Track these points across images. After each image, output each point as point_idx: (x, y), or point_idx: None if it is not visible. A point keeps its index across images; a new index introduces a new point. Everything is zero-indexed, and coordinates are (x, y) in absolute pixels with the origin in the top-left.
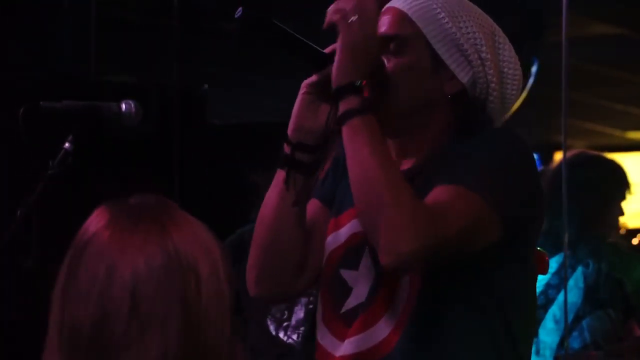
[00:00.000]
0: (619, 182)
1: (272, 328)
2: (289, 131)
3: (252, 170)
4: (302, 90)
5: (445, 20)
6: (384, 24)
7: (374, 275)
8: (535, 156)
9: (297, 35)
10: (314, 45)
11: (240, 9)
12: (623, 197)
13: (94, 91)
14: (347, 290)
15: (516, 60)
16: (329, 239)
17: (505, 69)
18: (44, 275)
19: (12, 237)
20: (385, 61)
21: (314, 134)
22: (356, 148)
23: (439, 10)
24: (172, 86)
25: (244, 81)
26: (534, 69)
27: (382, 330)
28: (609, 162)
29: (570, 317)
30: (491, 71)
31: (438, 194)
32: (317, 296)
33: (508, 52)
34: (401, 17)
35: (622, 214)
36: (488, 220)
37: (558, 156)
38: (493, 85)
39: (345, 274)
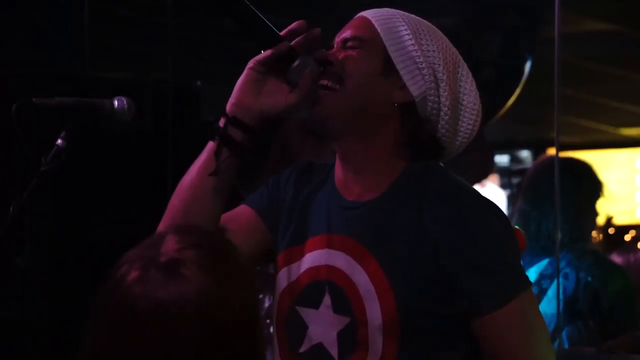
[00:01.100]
0: (594, 185)
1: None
2: (228, 104)
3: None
4: (249, 65)
5: (406, 33)
6: (348, 28)
7: (336, 319)
8: (527, 153)
9: (258, 14)
10: (270, 25)
11: None
12: (596, 197)
13: (87, 87)
14: (303, 329)
15: (476, 96)
16: (282, 272)
17: (463, 101)
18: (38, 272)
19: (5, 235)
20: (342, 56)
21: (251, 113)
22: None
23: (402, 24)
24: (166, 82)
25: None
26: (527, 66)
27: None
28: (581, 165)
29: (551, 327)
30: (445, 94)
31: (498, 334)
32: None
33: (470, 85)
34: (364, 22)
35: (597, 215)
36: (533, 296)
37: (551, 152)
38: (445, 109)
39: (304, 311)
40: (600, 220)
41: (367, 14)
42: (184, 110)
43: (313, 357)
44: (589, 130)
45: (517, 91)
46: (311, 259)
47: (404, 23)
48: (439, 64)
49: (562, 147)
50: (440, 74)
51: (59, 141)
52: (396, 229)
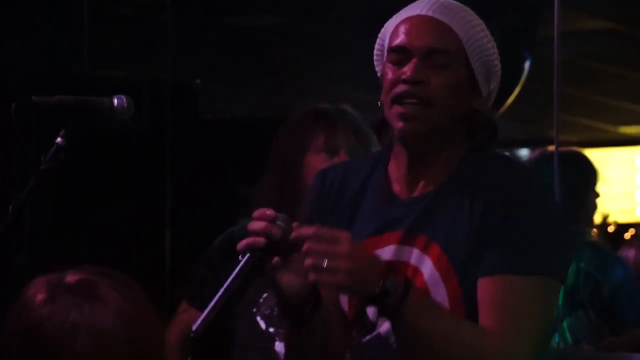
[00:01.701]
0: (590, 177)
1: (262, 324)
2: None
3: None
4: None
5: (480, 35)
6: (428, 35)
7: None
8: (527, 151)
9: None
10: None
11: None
12: (595, 191)
13: (86, 85)
14: (368, 322)
15: (497, 54)
16: None
17: (491, 66)
18: (37, 271)
19: (4, 233)
20: (432, 76)
21: (300, 295)
22: (426, 331)
23: (474, 23)
24: (165, 80)
25: (237, 75)
26: (527, 64)
27: None
28: (579, 157)
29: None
30: (495, 83)
31: (496, 295)
32: None
33: (494, 49)
34: (446, 30)
35: (596, 207)
36: (556, 290)
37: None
38: (494, 94)
39: (370, 310)
40: (598, 217)
41: (440, 16)
42: (182, 109)
43: (375, 346)
44: (588, 129)
45: (517, 90)
46: (393, 255)
47: (474, 22)
48: (496, 58)
49: (561, 146)
50: (496, 68)
51: (59, 140)
52: (456, 216)
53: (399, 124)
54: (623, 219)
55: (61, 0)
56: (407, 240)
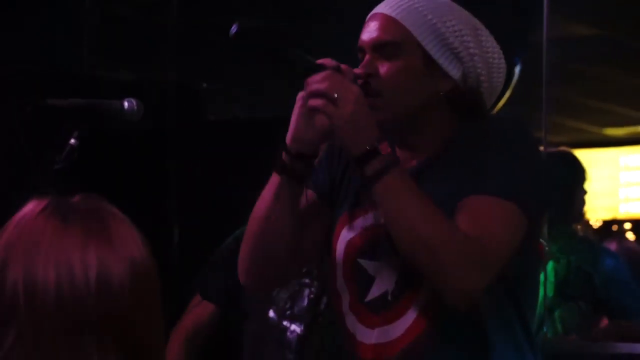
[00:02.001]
0: (579, 176)
1: (274, 318)
2: (288, 141)
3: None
4: (298, 103)
5: (434, 21)
6: (374, 31)
7: (397, 267)
8: None
9: (290, 48)
10: (306, 56)
11: (234, 26)
12: (583, 189)
13: (93, 87)
14: (369, 280)
15: (499, 49)
16: (344, 231)
17: (491, 60)
18: None
19: None
20: (379, 66)
21: (310, 144)
22: (393, 207)
23: (425, 11)
24: (170, 82)
25: (240, 77)
26: (517, 69)
27: (408, 321)
28: (566, 156)
29: (541, 309)
30: (480, 64)
31: (477, 209)
32: (318, 287)
33: (491, 43)
34: (390, 22)
35: (584, 204)
36: (522, 225)
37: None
38: (482, 77)
39: (366, 263)
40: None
41: (387, 10)
42: (186, 110)
43: (382, 305)
44: (575, 130)
45: (508, 93)
46: (366, 220)
47: (425, 8)
48: (468, 40)
49: (549, 146)
50: (472, 49)
51: (72, 140)
52: (447, 176)
53: None
54: (607, 216)
55: (64, 2)
56: None
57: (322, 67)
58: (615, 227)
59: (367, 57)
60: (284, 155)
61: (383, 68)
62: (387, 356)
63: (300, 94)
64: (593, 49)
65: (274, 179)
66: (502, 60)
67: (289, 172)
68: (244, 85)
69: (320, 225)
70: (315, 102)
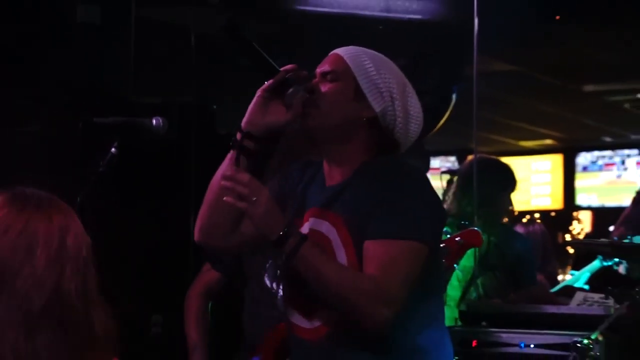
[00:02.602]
0: (505, 178)
1: (268, 282)
2: (243, 122)
3: None
4: (258, 93)
5: (370, 66)
6: (326, 64)
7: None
8: (454, 158)
9: (261, 51)
10: (271, 61)
11: (227, 19)
12: (510, 189)
13: (131, 109)
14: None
15: (419, 107)
16: None
17: (411, 111)
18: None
19: None
20: (322, 86)
21: (260, 127)
22: (313, 270)
23: (366, 59)
24: (190, 105)
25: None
26: (454, 96)
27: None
28: (498, 163)
29: (468, 277)
30: (399, 108)
31: (380, 254)
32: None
33: (414, 100)
34: (338, 58)
35: (510, 201)
36: (424, 254)
37: (470, 158)
38: (399, 119)
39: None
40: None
41: (340, 51)
42: (202, 126)
43: (316, 299)
44: (498, 142)
45: (447, 113)
46: (306, 226)
47: (367, 58)
48: (394, 87)
49: (479, 154)
50: (395, 94)
51: (113, 149)
52: (356, 198)
53: (303, 123)
54: (522, 208)
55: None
56: (321, 215)
57: (280, 72)
58: (527, 217)
59: (316, 80)
60: (238, 134)
61: (324, 87)
62: (319, 336)
63: (260, 90)
64: (511, 81)
65: (229, 156)
66: (421, 115)
67: (241, 149)
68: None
69: None
70: (241, 204)
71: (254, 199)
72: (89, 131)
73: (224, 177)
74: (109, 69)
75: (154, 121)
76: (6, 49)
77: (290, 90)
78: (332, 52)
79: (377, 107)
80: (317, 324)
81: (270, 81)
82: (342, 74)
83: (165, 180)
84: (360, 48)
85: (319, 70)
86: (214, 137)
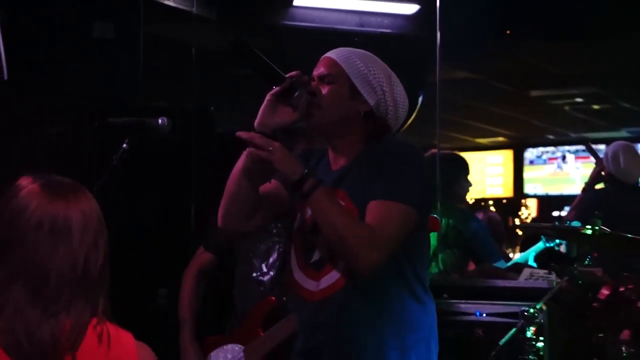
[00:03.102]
0: (461, 169)
1: (257, 263)
2: (255, 124)
3: None
4: (267, 98)
5: (360, 65)
6: (321, 67)
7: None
8: None
9: (267, 60)
10: (276, 68)
11: (232, 34)
12: (465, 177)
13: (140, 111)
14: (312, 247)
15: (404, 93)
16: (299, 215)
17: (398, 98)
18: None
19: None
20: (322, 88)
21: (270, 127)
22: (324, 209)
23: (356, 59)
24: (191, 108)
25: (240, 104)
26: (420, 99)
27: (334, 277)
28: (455, 157)
29: (432, 253)
30: (389, 98)
31: (378, 210)
32: (286, 244)
33: (399, 88)
34: (332, 62)
35: (467, 190)
36: (413, 218)
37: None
38: (390, 108)
39: (311, 237)
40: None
41: (332, 54)
42: (202, 127)
43: (321, 265)
44: (457, 140)
45: (414, 114)
46: None
47: (357, 57)
48: (383, 80)
49: (440, 150)
50: (384, 87)
51: (124, 145)
52: (359, 176)
53: (308, 121)
54: (478, 196)
55: (122, 50)
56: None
57: (286, 78)
58: (483, 204)
59: (315, 83)
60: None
61: (324, 90)
62: (321, 299)
63: (269, 95)
64: (469, 87)
65: (245, 152)
66: (406, 100)
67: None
68: (243, 108)
69: (276, 201)
70: (262, 153)
71: (270, 148)
72: (103, 130)
73: (243, 139)
74: (121, 78)
75: (159, 120)
76: (33, 62)
77: (296, 93)
78: (325, 56)
79: (371, 101)
80: (322, 285)
81: (278, 87)
82: (337, 75)
83: (170, 174)
84: (349, 49)
85: (315, 73)
86: (212, 136)
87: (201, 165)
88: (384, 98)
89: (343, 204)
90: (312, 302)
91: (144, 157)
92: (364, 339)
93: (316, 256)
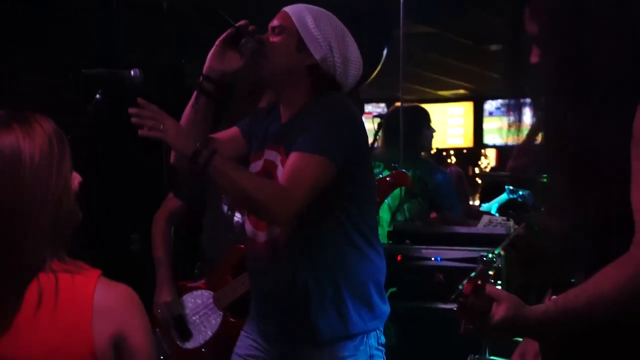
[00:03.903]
0: (423, 119)
1: (226, 210)
2: (204, 68)
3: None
4: (216, 43)
5: (310, 20)
6: (275, 19)
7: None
8: (383, 105)
9: (223, 14)
10: (230, 20)
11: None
12: (428, 127)
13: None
14: None
15: (358, 54)
16: (252, 165)
17: (351, 57)
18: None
19: None
20: (271, 38)
21: (217, 72)
22: (228, 177)
23: (307, 14)
24: (163, 63)
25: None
26: (384, 53)
27: (276, 230)
28: (417, 108)
29: (396, 202)
30: (337, 56)
31: (294, 161)
32: None
33: (353, 47)
34: (285, 15)
35: (431, 139)
36: (329, 169)
37: (397, 104)
38: (338, 64)
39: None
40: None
41: (287, 9)
42: (174, 80)
43: None
44: (420, 92)
45: (378, 67)
46: (265, 157)
47: (309, 13)
48: (331, 38)
49: (405, 102)
50: (333, 44)
51: (98, 96)
52: (298, 129)
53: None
54: (440, 146)
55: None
56: (273, 147)
57: (239, 27)
58: (444, 154)
59: (267, 33)
60: (200, 77)
61: (273, 39)
62: (269, 249)
63: (217, 40)
64: (432, 41)
65: (194, 95)
66: (359, 60)
67: (201, 90)
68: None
69: (233, 146)
70: (153, 134)
71: (161, 126)
72: (78, 81)
73: (132, 112)
74: (97, 31)
75: (132, 72)
76: (11, 14)
77: (243, 40)
78: (282, 10)
79: (317, 55)
80: (269, 237)
81: (226, 33)
82: (287, 28)
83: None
84: (306, 5)
85: (270, 25)
86: (183, 89)
87: (172, 116)
88: (331, 54)
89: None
90: (262, 252)
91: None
92: (304, 282)
93: None
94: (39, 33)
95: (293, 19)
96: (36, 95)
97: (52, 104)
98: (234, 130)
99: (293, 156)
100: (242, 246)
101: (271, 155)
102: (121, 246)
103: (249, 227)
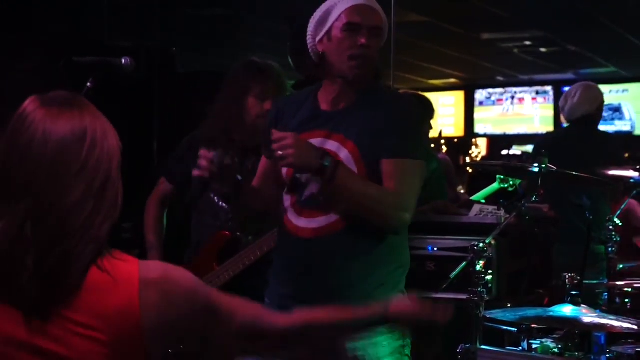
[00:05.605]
0: (425, 109)
1: (216, 199)
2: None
3: None
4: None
5: (385, 20)
6: (375, 20)
7: (319, 180)
8: None
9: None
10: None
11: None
12: (430, 117)
13: (106, 51)
14: (302, 186)
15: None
16: None
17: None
18: None
19: None
20: (373, 43)
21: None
22: (350, 188)
23: (384, 16)
24: (154, 48)
25: (206, 39)
26: None
27: (331, 219)
28: (419, 97)
29: None
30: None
31: (402, 169)
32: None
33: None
34: (380, 14)
35: (430, 128)
36: (424, 169)
37: None
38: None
39: (300, 177)
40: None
41: (374, 5)
42: (164, 66)
43: (312, 204)
44: (411, 81)
45: None
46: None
47: (383, 14)
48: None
49: (398, 90)
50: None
51: (89, 84)
52: (362, 121)
53: (355, 72)
54: (430, 135)
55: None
56: (329, 136)
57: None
58: (433, 144)
59: (366, 33)
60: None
61: (375, 44)
62: (314, 237)
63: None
64: (424, 30)
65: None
66: None
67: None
68: (208, 45)
69: (273, 178)
70: (285, 164)
71: (286, 152)
72: (69, 68)
73: (270, 143)
74: (88, 17)
75: (123, 60)
76: (2, 2)
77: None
78: (366, 5)
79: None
80: (317, 225)
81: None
82: (383, 29)
83: (133, 111)
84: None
85: (368, 23)
86: (173, 75)
87: (163, 103)
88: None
89: (356, 167)
90: (304, 239)
91: (108, 95)
92: (355, 278)
93: (307, 193)
94: (27, 20)
95: (382, 16)
96: (26, 82)
97: (42, 92)
98: (263, 164)
99: (394, 163)
100: (227, 232)
101: (326, 144)
102: (113, 235)
103: (292, 213)
